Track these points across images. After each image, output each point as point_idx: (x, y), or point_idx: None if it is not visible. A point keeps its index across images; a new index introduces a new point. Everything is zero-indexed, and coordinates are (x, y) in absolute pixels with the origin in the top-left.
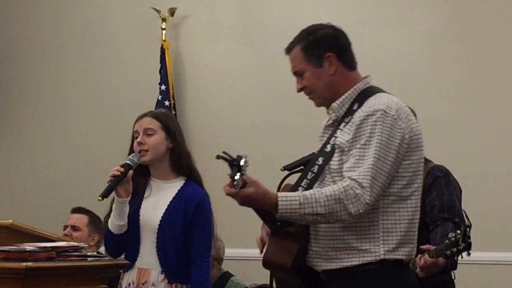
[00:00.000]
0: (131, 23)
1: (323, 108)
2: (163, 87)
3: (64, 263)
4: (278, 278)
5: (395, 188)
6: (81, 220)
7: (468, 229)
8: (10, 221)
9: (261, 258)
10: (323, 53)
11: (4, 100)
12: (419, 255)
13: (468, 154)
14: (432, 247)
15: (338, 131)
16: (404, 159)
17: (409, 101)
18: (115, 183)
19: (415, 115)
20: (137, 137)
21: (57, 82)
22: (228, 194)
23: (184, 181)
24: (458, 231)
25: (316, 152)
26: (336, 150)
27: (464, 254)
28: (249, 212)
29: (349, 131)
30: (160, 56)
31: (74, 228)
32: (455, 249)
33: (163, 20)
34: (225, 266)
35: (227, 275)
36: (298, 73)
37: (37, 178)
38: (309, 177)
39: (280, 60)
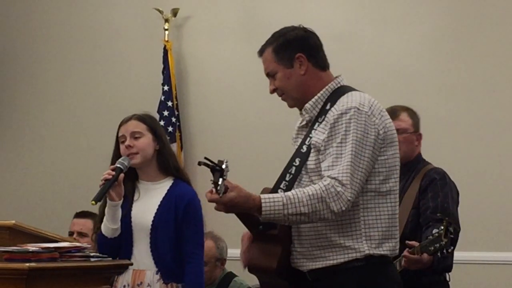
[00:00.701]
0: (134, 23)
1: None
2: (166, 88)
3: (67, 263)
4: (263, 282)
5: (373, 184)
6: (87, 225)
7: (450, 224)
8: (13, 221)
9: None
10: (293, 54)
11: (7, 100)
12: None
13: (469, 153)
14: (417, 244)
15: (313, 131)
16: (380, 154)
17: (410, 101)
18: (107, 186)
19: (414, 113)
20: (123, 142)
21: (60, 83)
22: (211, 200)
23: (172, 181)
24: (441, 227)
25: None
26: (312, 150)
27: (469, 253)
28: None
29: (324, 130)
30: (163, 56)
31: (81, 234)
32: (437, 245)
33: (166, 20)
34: (228, 267)
35: (230, 276)
36: (270, 75)
37: (40, 179)
38: (287, 178)
39: None
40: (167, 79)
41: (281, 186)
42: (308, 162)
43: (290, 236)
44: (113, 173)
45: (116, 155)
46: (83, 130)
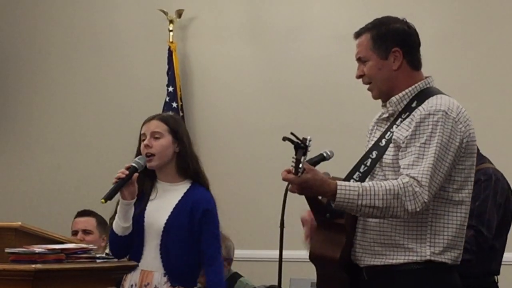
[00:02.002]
0: (139, 25)
1: (329, 109)
2: (170, 89)
3: (73, 265)
4: (323, 274)
5: (446, 191)
6: (90, 222)
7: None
8: (19, 223)
9: (270, 260)
10: (390, 47)
11: (12, 102)
12: None
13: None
14: None
15: (395, 126)
16: (459, 163)
17: None
18: (119, 185)
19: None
20: (144, 140)
21: (64, 85)
22: (286, 179)
23: (190, 184)
24: None
25: (366, 146)
26: (391, 145)
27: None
28: (258, 213)
29: (408, 128)
30: (168, 57)
31: (86, 232)
32: None
33: (171, 21)
34: (234, 267)
35: (236, 276)
36: (361, 60)
37: (45, 180)
38: (361, 170)
39: (286, 61)
40: (171, 80)
41: (354, 176)
42: (385, 156)
43: (355, 227)
44: (127, 172)
45: (139, 153)
46: (87, 131)
